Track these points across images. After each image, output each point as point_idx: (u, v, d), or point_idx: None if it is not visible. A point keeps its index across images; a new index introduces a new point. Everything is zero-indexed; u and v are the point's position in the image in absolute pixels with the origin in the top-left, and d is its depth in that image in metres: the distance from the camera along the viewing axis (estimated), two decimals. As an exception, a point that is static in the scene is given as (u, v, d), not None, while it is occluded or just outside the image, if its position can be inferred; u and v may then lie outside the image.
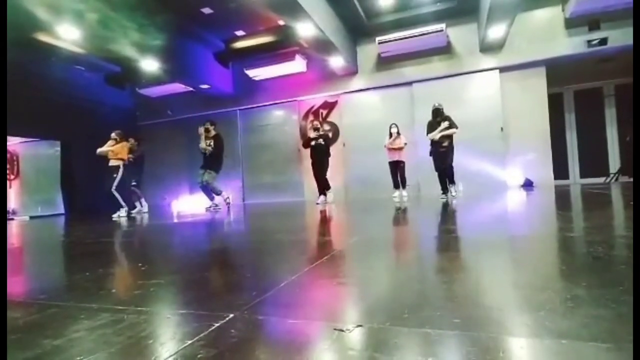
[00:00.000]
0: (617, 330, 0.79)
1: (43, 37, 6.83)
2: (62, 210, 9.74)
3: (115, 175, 6.70)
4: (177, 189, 10.82)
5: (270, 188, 10.01)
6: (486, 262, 1.66)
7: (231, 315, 1.03)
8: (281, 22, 7.53)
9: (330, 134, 8.88)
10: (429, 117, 6.37)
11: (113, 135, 6.93)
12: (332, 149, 7.63)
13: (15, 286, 1.72)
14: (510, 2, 6.36)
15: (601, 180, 8.58)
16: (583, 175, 8.87)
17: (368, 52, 9.06)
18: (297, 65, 9.14)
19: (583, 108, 8.91)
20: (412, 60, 8.67)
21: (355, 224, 3.86)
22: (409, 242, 2.53)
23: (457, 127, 6.09)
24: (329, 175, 7.29)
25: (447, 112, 6.22)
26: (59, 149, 9.86)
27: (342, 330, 0.88)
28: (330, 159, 7.35)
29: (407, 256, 2.03)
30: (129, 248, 3.07)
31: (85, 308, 1.22)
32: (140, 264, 2.11)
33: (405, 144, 6.99)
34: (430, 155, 6.33)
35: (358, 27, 8.62)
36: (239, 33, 8.84)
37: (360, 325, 0.91)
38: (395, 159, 7.01)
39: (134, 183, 7.33)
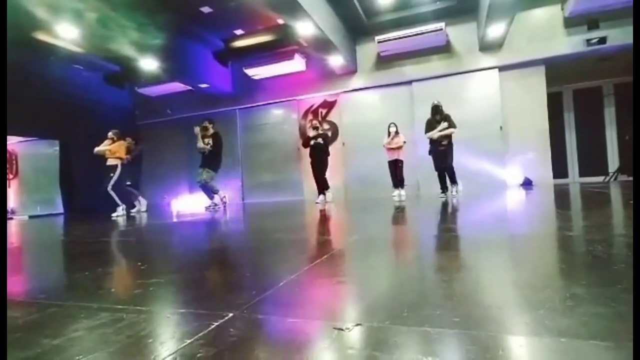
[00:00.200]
0: (617, 329, 0.79)
1: (42, 37, 6.82)
2: (61, 209, 9.74)
3: (112, 175, 6.71)
4: (177, 188, 10.81)
5: (269, 187, 10.01)
6: (485, 261, 1.66)
7: (231, 315, 1.03)
8: (280, 21, 7.52)
9: (329, 133, 8.89)
10: (428, 116, 6.36)
11: (110, 134, 6.93)
12: (332, 148, 7.63)
13: (15, 286, 1.72)
14: (510, 1, 6.35)
15: (600, 179, 8.59)
16: (582, 174, 8.88)
17: (367, 51, 9.05)
18: (296, 64, 9.13)
19: (582, 107, 8.91)
20: (412, 59, 8.67)
21: (355, 223, 3.86)
22: (409, 241, 2.53)
23: (455, 127, 6.09)
24: (328, 174, 7.29)
25: (446, 111, 6.20)
26: (57, 148, 9.86)
27: (342, 329, 0.88)
28: (330, 158, 7.35)
29: (406, 255, 2.03)
30: (129, 247, 3.07)
31: (85, 307, 1.22)
32: (139, 263, 2.11)
33: (404, 142, 6.99)
34: (430, 154, 6.33)
35: (357, 26, 8.61)
36: (238, 32, 8.82)
37: (359, 324, 0.91)
38: (395, 157, 7.02)
39: (128, 183, 7.30)
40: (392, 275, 1.53)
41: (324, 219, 4.27)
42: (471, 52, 8.30)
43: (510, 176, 8.09)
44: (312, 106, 9.66)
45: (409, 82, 8.76)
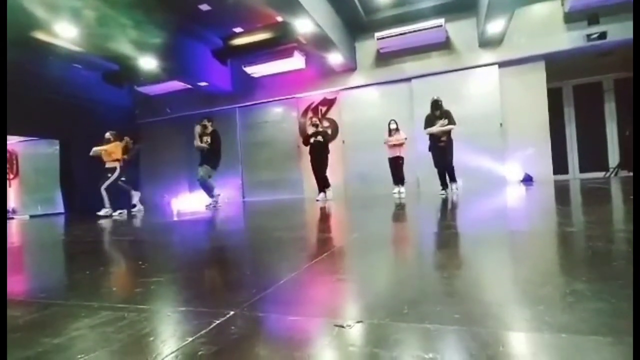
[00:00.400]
0: (617, 324, 0.79)
1: (41, 36, 6.81)
2: (61, 209, 9.75)
3: (109, 175, 6.71)
4: (177, 186, 10.82)
5: (269, 185, 10.01)
6: (486, 257, 1.66)
7: (231, 313, 1.03)
8: (279, 19, 7.50)
9: (329, 131, 8.88)
10: (428, 112, 6.33)
11: (107, 135, 6.91)
12: (332, 146, 7.63)
13: (16, 285, 1.72)
14: (509, -3, 6.34)
15: (601, 174, 8.59)
16: (582, 170, 8.88)
17: (367, 48, 9.03)
18: (295, 61, 9.12)
19: (582, 102, 8.90)
20: (411, 56, 8.65)
21: (355, 221, 3.86)
22: (409, 238, 2.53)
23: (455, 123, 6.06)
24: (328, 171, 7.29)
25: (446, 107, 6.19)
26: (58, 147, 9.85)
27: (343, 327, 0.88)
28: (330, 156, 7.35)
29: (406, 252, 2.03)
30: (129, 246, 3.07)
31: (86, 306, 1.22)
32: (140, 262, 2.11)
33: (406, 138, 6.98)
34: (430, 150, 6.31)
35: (356, 23, 8.59)
36: (237, 30, 8.81)
37: (360, 322, 0.91)
38: (396, 154, 7.01)
39: (122, 178, 7.28)
40: (393, 273, 1.53)
41: (324, 216, 4.27)
42: (471, 48, 8.28)
43: (510, 172, 8.09)
44: (311, 104, 9.65)
45: (409, 79, 8.74)
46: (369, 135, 8.53)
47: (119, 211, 6.82)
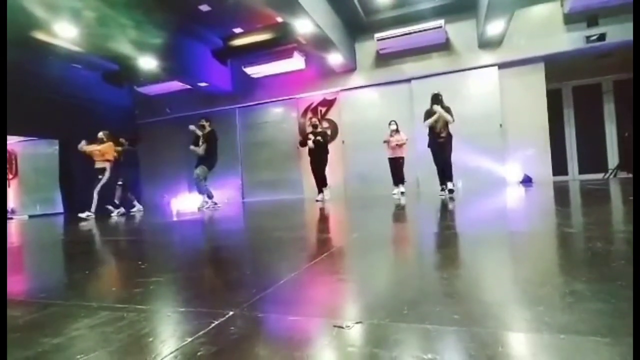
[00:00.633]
0: (617, 325, 0.79)
1: (41, 36, 6.80)
2: (61, 209, 9.73)
3: (100, 177, 6.59)
4: (176, 187, 10.81)
5: (269, 185, 10.02)
6: (485, 258, 1.66)
7: (231, 313, 1.03)
8: (279, 19, 7.50)
9: (328, 131, 8.88)
10: (428, 107, 6.16)
11: (100, 135, 6.81)
12: (332, 146, 7.63)
13: (15, 285, 1.72)
14: (509, -2, 6.35)
15: (600, 176, 8.59)
16: (582, 171, 8.88)
17: (366, 49, 9.04)
18: (295, 62, 9.12)
19: (582, 104, 8.91)
20: (411, 56, 8.66)
21: (355, 221, 3.86)
22: (409, 238, 2.53)
23: (453, 120, 5.92)
24: (328, 172, 7.29)
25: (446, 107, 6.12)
26: (57, 147, 9.84)
27: (342, 327, 0.88)
28: (330, 156, 7.34)
29: (406, 253, 2.03)
30: (129, 246, 3.07)
31: (85, 306, 1.22)
32: (139, 262, 2.11)
33: (407, 139, 6.98)
34: (429, 146, 6.18)
35: (356, 23, 8.60)
36: (237, 30, 8.81)
37: (360, 322, 0.91)
38: (397, 155, 7.00)
39: (119, 183, 7.20)
40: (392, 273, 1.53)
41: (324, 216, 4.27)
42: (470, 49, 8.29)
43: (510, 173, 8.10)
44: (311, 104, 9.66)
45: (409, 80, 8.75)
46: (369, 136, 8.54)
47: (117, 210, 6.79)
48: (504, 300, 1.04)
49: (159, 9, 7.02)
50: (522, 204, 4.37)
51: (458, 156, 6.45)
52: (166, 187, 10.90)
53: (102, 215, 6.66)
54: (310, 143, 7.08)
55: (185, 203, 9.62)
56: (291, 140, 9.75)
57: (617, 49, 7.49)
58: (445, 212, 3.81)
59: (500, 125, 8.09)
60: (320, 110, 9.59)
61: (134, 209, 7.28)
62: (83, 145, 6.69)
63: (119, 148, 7.17)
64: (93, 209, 6.46)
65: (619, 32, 7.18)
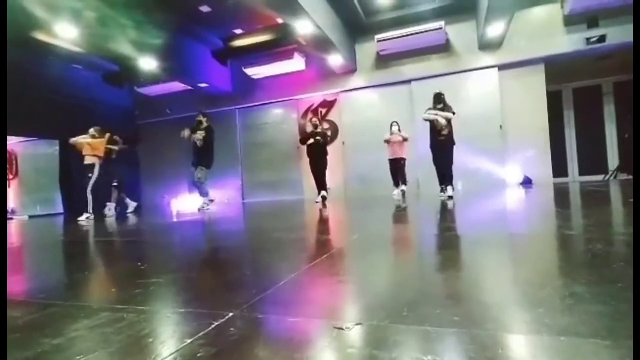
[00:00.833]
0: (616, 327, 0.79)
1: (41, 36, 6.80)
2: (61, 209, 9.73)
3: (90, 175, 6.43)
4: (177, 187, 10.81)
5: (269, 186, 10.01)
6: (485, 259, 1.66)
7: (231, 314, 1.03)
8: (280, 20, 7.50)
9: (329, 132, 8.88)
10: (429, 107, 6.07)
11: (91, 131, 6.61)
12: (332, 147, 7.63)
13: (15, 285, 1.72)
14: (509, 0, 6.34)
15: (600, 177, 8.59)
16: (582, 172, 8.88)
17: (367, 50, 9.04)
18: (295, 63, 9.13)
19: (582, 105, 8.91)
20: (411, 58, 8.66)
21: (355, 222, 3.86)
22: (409, 240, 2.53)
23: (453, 113, 5.77)
24: (327, 172, 7.28)
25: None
26: (57, 148, 9.84)
27: (342, 328, 0.88)
28: (330, 157, 7.33)
29: (406, 254, 2.03)
30: (128, 247, 3.07)
31: (85, 307, 1.22)
32: (139, 263, 2.11)
33: (407, 138, 6.97)
34: (430, 147, 6.05)
35: (357, 25, 8.61)
36: (238, 31, 8.81)
37: (359, 323, 0.91)
38: (397, 156, 6.98)
39: (114, 184, 7.11)
40: (392, 274, 1.53)
41: (324, 217, 4.27)
42: (470, 50, 8.30)
43: (510, 175, 8.09)
44: (311, 105, 9.66)
45: (409, 81, 8.75)
46: (369, 137, 8.54)
47: (111, 211, 6.72)
48: (503, 302, 1.04)
49: (159, 9, 7.02)
50: (522, 205, 4.37)
51: (458, 157, 6.42)
52: (166, 187, 10.89)
53: (101, 214, 6.67)
54: (310, 140, 7.04)
55: (185, 203, 9.62)
56: (291, 141, 9.75)
57: (617, 50, 7.49)
58: (445, 214, 3.81)
59: (500, 126, 8.09)
60: (321, 111, 9.59)
61: (129, 209, 7.21)
62: (74, 139, 6.56)
63: (115, 147, 7.06)
64: (90, 209, 6.34)
65: (619, 34, 7.19)
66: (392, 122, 7.03)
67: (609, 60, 8.08)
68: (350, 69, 9.13)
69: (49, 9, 5.76)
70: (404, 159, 7.02)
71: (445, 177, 5.82)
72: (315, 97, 9.60)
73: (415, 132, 7.82)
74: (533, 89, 7.98)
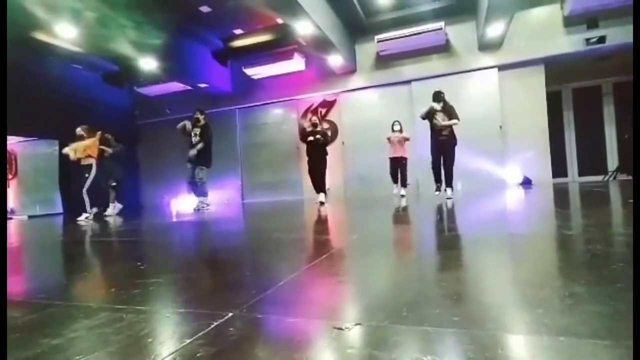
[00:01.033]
0: (616, 327, 0.79)
1: (41, 36, 6.81)
2: (60, 209, 9.72)
3: (87, 175, 6.36)
4: (176, 188, 10.79)
5: (269, 187, 10.01)
6: (485, 259, 1.66)
7: (230, 314, 1.03)
8: (280, 21, 7.51)
9: (329, 132, 8.87)
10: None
11: (78, 130, 6.46)
12: (331, 147, 7.62)
13: (15, 285, 1.72)
14: (509, 0, 6.35)
15: (600, 178, 8.59)
16: (581, 173, 8.88)
17: (367, 50, 9.05)
18: (295, 63, 9.13)
19: (582, 106, 8.92)
20: (411, 58, 8.67)
21: (354, 222, 3.86)
22: (408, 240, 2.53)
23: (458, 118, 5.67)
24: (327, 172, 7.26)
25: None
26: (57, 148, 9.83)
27: (342, 329, 0.88)
28: (330, 157, 7.31)
29: (406, 254, 2.03)
30: (128, 247, 3.07)
31: (84, 307, 1.22)
32: (138, 263, 2.11)
33: (408, 138, 6.99)
34: (431, 151, 5.97)
35: (357, 25, 8.61)
36: (238, 31, 8.82)
37: (359, 324, 0.91)
38: (399, 155, 6.99)
39: (113, 184, 7.06)
40: (392, 275, 1.53)
41: (324, 218, 4.27)
42: (470, 51, 8.30)
43: (510, 175, 8.10)
44: (311, 105, 9.66)
45: (409, 82, 8.76)
46: (369, 137, 8.55)
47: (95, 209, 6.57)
48: (503, 302, 1.04)
49: (159, 9, 7.03)
50: (522, 205, 4.37)
51: (458, 158, 6.40)
52: (166, 187, 10.89)
53: (100, 214, 6.65)
54: (310, 137, 6.99)
55: (185, 204, 9.61)
56: (291, 142, 9.76)
57: (617, 51, 7.50)
58: (445, 214, 3.81)
59: (500, 127, 8.09)
60: (320, 112, 9.59)
61: (110, 210, 7.01)
62: (65, 150, 6.45)
63: (108, 149, 6.95)
64: (88, 208, 6.30)
65: (619, 35, 7.19)
66: (394, 122, 7.05)
67: (609, 61, 8.09)
68: (350, 70, 9.13)
69: (49, 9, 5.76)
70: (405, 159, 7.04)
71: (445, 177, 5.76)
72: (315, 97, 9.61)
73: (416, 133, 7.81)
74: (533, 89, 7.98)
